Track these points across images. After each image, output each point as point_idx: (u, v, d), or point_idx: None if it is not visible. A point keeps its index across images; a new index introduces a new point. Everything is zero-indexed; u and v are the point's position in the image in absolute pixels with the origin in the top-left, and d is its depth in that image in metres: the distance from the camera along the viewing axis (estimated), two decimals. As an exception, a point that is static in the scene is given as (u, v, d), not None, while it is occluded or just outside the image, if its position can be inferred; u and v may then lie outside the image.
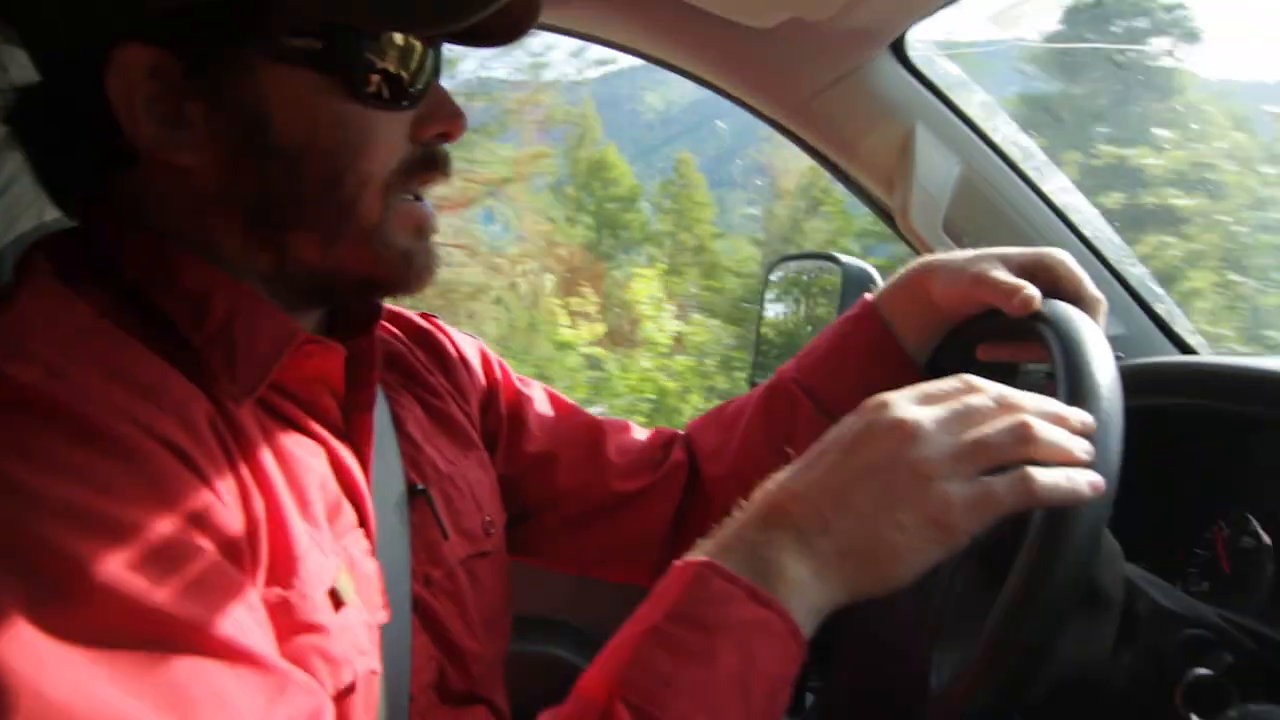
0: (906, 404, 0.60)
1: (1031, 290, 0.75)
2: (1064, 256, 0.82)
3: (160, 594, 0.48)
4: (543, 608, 1.45)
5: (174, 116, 0.61)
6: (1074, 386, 0.64)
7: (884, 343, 0.90)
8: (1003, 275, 0.78)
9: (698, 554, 0.57)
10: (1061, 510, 0.58)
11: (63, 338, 0.54)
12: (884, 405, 0.60)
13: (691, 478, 0.99)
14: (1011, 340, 0.85)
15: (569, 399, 1.03)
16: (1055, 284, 0.80)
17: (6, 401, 0.50)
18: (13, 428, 0.49)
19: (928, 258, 0.88)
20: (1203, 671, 0.67)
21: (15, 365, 0.51)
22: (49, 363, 0.52)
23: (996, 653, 0.60)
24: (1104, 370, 0.65)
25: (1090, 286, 0.81)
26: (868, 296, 0.94)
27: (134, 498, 0.50)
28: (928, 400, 0.60)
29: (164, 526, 0.50)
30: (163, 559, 0.49)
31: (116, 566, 0.47)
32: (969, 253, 0.85)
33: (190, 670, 0.48)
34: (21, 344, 0.53)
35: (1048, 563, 0.58)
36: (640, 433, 1.03)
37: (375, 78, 0.63)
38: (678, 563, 0.58)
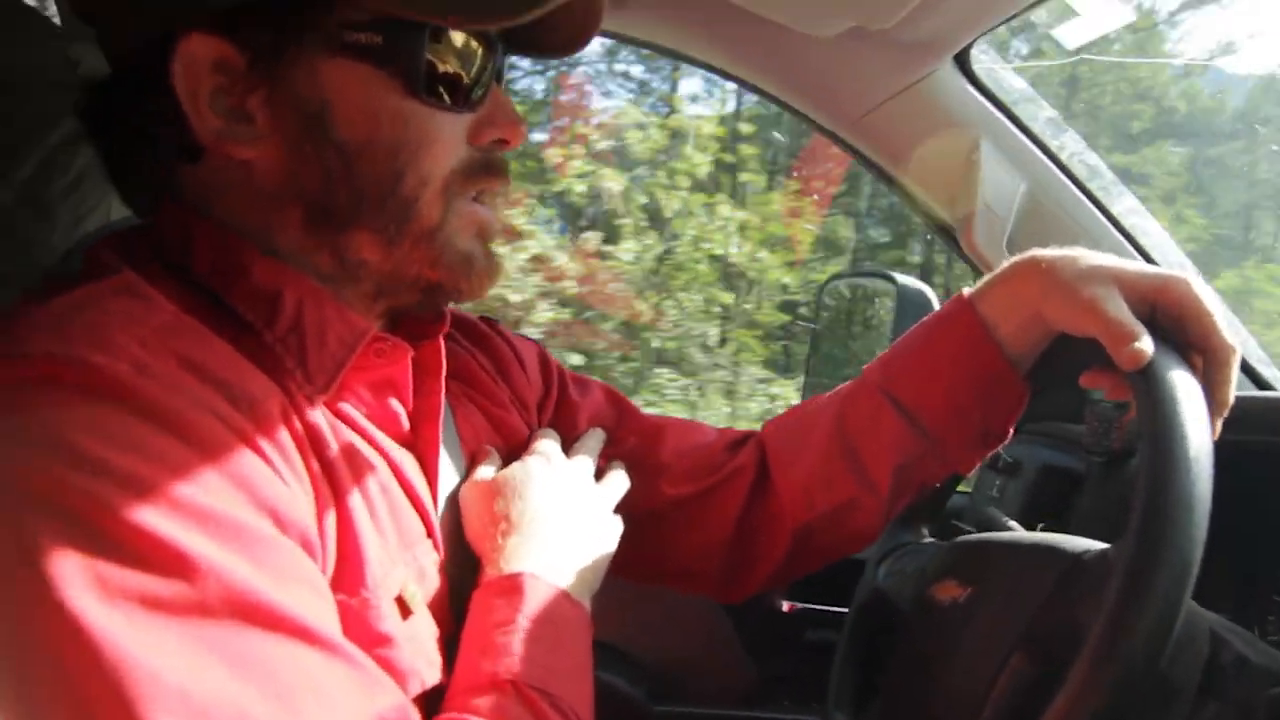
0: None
1: (1144, 344, 0.66)
2: (1195, 288, 0.70)
3: (255, 580, 0.49)
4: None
5: (237, 109, 0.61)
6: (1159, 470, 0.60)
7: (982, 347, 0.81)
8: (1117, 312, 0.69)
9: (511, 568, 0.66)
10: (1136, 595, 0.56)
11: (145, 332, 0.55)
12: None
13: (760, 481, 0.92)
14: (1115, 374, 0.74)
15: (630, 400, 0.99)
16: (1179, 320, 0.70)
17: (96, 391, 0.50)
18: (102, 416, 0.50)
19: (1036, 254, 0.79)
20: (1293, 732, 0.64)
21: (103, 357, 0.51)
22: (135, 357, 0.52)
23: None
24: (1196, 461, 0.60)
25: (1222, 332, 0.70)
26: (965, 292, 0.84)
27: (218, 488, 0.51)
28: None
29: (248, 517, 0.51)
30: (253, 548, 0.50)
31: (212, 551, 0.48)
32: (1082, 261, 0.74)
33: (289, 658, 0.48)
34: (107, 336, 0.53)
35: (1117, 649, 0.56)
36: (708, 434, 0.98)
37: (435, 77, 0.63)
38: (505, 575, 0.66)
